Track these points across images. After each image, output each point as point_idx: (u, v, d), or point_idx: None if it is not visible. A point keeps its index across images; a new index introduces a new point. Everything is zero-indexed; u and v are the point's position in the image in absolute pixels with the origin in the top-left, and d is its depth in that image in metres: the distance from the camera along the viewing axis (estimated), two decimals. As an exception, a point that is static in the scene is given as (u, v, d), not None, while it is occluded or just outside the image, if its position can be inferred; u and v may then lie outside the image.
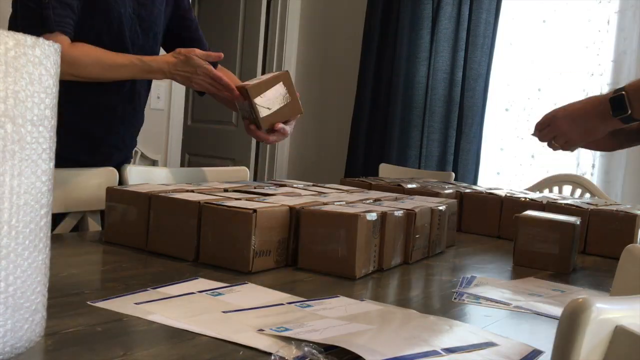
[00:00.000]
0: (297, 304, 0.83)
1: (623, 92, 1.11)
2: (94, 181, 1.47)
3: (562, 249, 1.25)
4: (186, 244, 1.07)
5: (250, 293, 0.88)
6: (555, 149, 1.35)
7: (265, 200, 1.14)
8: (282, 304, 0.83)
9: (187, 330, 0.70)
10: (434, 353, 0.66)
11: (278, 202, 1.11)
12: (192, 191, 1.20)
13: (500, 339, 0.75)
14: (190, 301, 0.81)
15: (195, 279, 0.94)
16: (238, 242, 1.01)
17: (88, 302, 0.78)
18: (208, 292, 0.86)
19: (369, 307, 0.85)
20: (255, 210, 1.00)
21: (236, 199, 1.14)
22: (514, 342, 0.75)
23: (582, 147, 1.37)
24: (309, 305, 0.82)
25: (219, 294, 0.85)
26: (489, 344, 0.73)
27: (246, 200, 1.13)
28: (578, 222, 1.29)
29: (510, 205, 1.67)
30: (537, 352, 0.73)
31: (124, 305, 0.77)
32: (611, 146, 1.38)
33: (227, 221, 1.03)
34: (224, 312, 0.77)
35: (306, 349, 0.63)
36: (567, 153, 1.38)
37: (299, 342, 0.65)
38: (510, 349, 0.73)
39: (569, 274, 1.25)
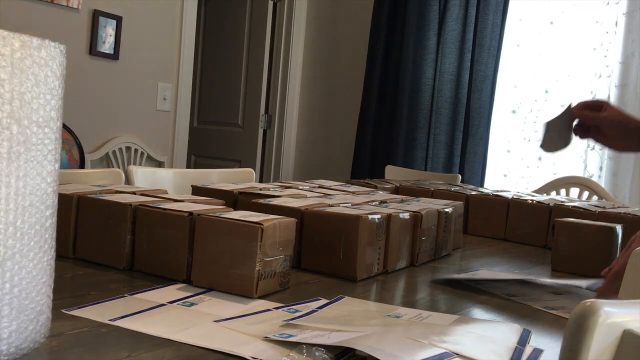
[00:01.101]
0: (284, 308, 0.82)
1: None
2: (100, 182, 1.48)
3: (602, 253, 1.25)
4: (174, 262, 0.93)
5: (222, 300, 0.84)
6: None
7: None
8: (269, 310, 0.81)
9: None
10: (447, 355, 0.66)
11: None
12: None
13: (491, 323, 0.75)
14: (167, 314, 0.77)
15: (154, 289, 0.87)
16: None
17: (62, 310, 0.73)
18: (179, 302, 0.81)
19: (353, 305, 0.85)
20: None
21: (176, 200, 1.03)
22: (505, 323, 0.78)
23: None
24: (296, 311, 0.81)
25: (192, 303, 0.81)
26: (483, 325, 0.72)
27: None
28: (619, 228, 1.28)
29: (517, 207, 1.66)
30: (527, 331, 0.78)
31: (99, 318, 0.72)
32: None
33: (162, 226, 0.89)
34: (215, 321, 0.75)
35: (317, 353, 0.63)
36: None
37: (309, 347, 0.64)
38: (504, 331, 0.73)
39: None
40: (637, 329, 0.47)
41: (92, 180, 1.46)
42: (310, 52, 4.00)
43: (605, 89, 3.13)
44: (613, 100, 3.10)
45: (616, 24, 3.09)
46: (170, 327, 0.71)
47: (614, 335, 0.47)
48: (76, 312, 0.74)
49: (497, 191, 1.86)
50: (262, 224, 0.85)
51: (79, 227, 1.01)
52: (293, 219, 0.94)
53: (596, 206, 1.63)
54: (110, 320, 0.72)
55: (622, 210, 1.56)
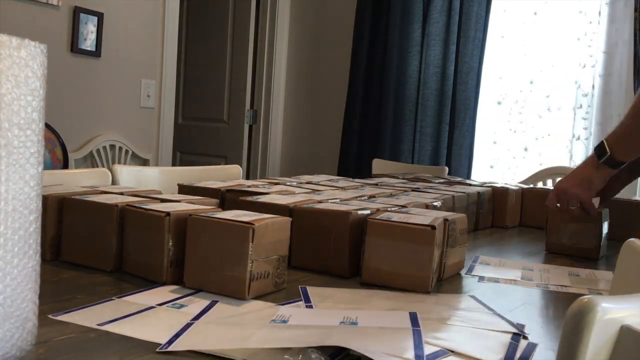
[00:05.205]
0: (274, 307, 0.81)
1: (603, 140, 1.25)
2: (87, 182, 1.45)
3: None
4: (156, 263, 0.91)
5: (211, 302, 0.82)
6: (580, 216, 1.32)
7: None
8: (260, 310, 0.80)
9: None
10: (442, 352, 0.66)
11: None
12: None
13: (484, 316, 0.75)
14: (156, 317, 0.75)
15: (142, 291, 0.86)
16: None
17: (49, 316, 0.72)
18: (168, 304, 0.80)
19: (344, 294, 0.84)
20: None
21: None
22: (499, 316, 0.79)
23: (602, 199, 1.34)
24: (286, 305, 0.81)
25: (181, 305, 0.80)
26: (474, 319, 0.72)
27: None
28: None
29: (504, 197, 1.66)
30: (521, 325, 0.78)
31: (87, 322, 0.71)
32: (619, 187, 1.38)
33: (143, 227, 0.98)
34: (205, 323, 0.73)
35: (313, 356, 0.62)
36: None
37: (304, 349, 0.63)
38: (497, 326, 0.72)
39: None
40: (635, 324, 0.46)
41: (80, 180, 1.44)
42: (295, 46, 3.98)
43: (590, 79, 3.14)
44: (597, 90, 3.12)
45: (599, 13, 3.10)
46: (160, 331, 0.70)
47: (611, 331, 0.46)
48: (63, 317, 0.72)
49: (485, 183, 1.86)
50: (253, 224, 0.84)
51: (64, 229, 0.99)
52: (287, 218, 0.93)
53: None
54: (99, 324, 0.71)
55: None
